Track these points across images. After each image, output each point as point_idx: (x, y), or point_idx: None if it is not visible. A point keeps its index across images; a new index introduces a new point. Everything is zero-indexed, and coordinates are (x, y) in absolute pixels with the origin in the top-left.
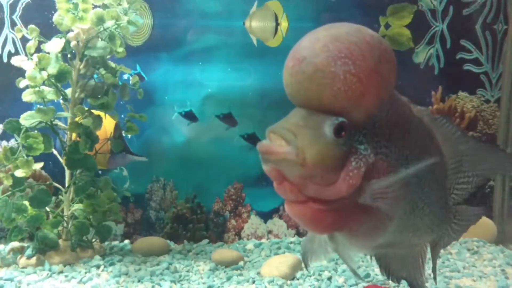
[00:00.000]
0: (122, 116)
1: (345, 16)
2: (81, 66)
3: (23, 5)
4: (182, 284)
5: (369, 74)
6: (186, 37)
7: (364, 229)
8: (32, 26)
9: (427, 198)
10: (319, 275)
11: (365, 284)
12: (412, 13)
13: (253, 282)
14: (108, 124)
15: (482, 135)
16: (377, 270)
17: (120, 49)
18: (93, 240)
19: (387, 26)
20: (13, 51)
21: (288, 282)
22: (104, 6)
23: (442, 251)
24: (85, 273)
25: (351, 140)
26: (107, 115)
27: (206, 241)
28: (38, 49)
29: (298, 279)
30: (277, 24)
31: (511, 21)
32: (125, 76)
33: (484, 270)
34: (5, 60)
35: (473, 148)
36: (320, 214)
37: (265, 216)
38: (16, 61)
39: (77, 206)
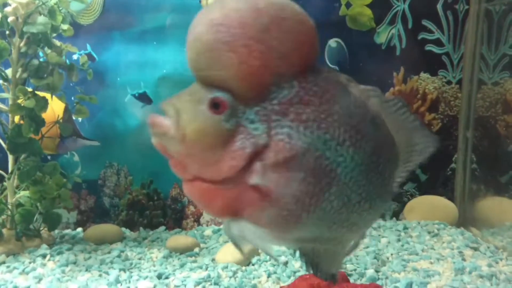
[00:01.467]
0: (72, 98)
1: None
2: (22, 44)
3: None
4: (131, 272)
5: (247, 43)
6: (139, 15)
7: (270, 218)
8: None
9: (367, 193)
10: (276, 260)
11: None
12: None
13: (206, 268)
14: (57, 106)
15: (444, 117)
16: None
17: (65, 26)
18: (41, 228)
19: (348, 5)
20: None
21: (243, 268)
22: None
23: (403, 234)
24: (29, 263)
25: (237, 118)
26: (55, 97)
27: (163, 228)
28: None
29: (253, 265)
30: None
31: (472, 1)
32: (75, 57)
33: (442, 253)
34: None
35: (425, 136)
36: (208, 195)
37: None
38: None
39: (23, 193)
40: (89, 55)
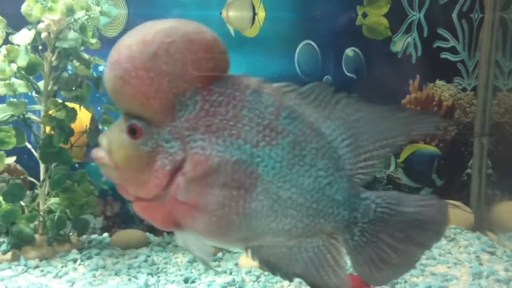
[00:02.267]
0: (99, 108)
1: (323, 5)
2: (53, 58)
3: None
4: (159, 277)
5: (138, 74)
6: None
7: (203, 225)
8: None
9: (298, 187)
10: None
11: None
12: (389, 2)
13: (230, 273)
14: (84, 116)
15: (460, 123)
16: None
17: (94, 40)
18: (71, 234)
19: (364, 15)
20: None
21: (266, 272)
22: None
23: None
24: (62, 267)
25: (154, 140)
26: (82, 107)
27: None
28: (7, 41)
29: None
30: (255, 14)
31: (487, 10)
32: (101, 68)
33: (459, 257)
34: None
35: (367, 115)
36: (148, 212)
37: None
38: None
39: (54, 200)
40: None
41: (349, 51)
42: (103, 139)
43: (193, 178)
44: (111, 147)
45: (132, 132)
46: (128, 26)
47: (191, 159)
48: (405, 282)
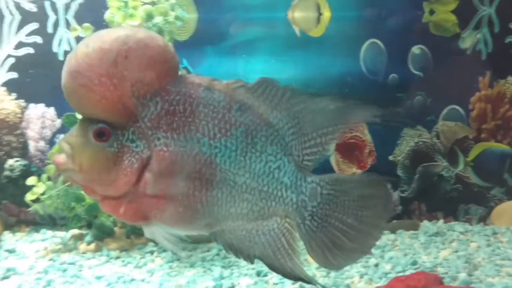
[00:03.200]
0: None
1: (388, 3)
2: None
3: (77, 5)
4: (232, 270)
5: (100, 81)
6: (230, 30)
7: (171, 216)
8: (86, 24)
9: (251, 172)
10: (366, 262)
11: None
12: None
13: None
14: None
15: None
16: (424, 257)
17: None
18: None
19: (432, 12)
20: (68, 49)
21: None
22: (153, 3)
23: (492, 239)
24: (140, 258)
25: (119, 141)
26: None
27: None
28: None
29: None
30: (320, 14)
31: None
32: None
33: None
34: (61, 58)
35: (309, 106)
36: (117, 209)
37: None
38: None
39: None
40: (185, 69)
41: (415, 49)
42: (64, 145)
43: (160, 173)
44: (76, 151)
45: (100, 135)
46: (198, 30)
47: (156, 155)
48: (480, 282)
